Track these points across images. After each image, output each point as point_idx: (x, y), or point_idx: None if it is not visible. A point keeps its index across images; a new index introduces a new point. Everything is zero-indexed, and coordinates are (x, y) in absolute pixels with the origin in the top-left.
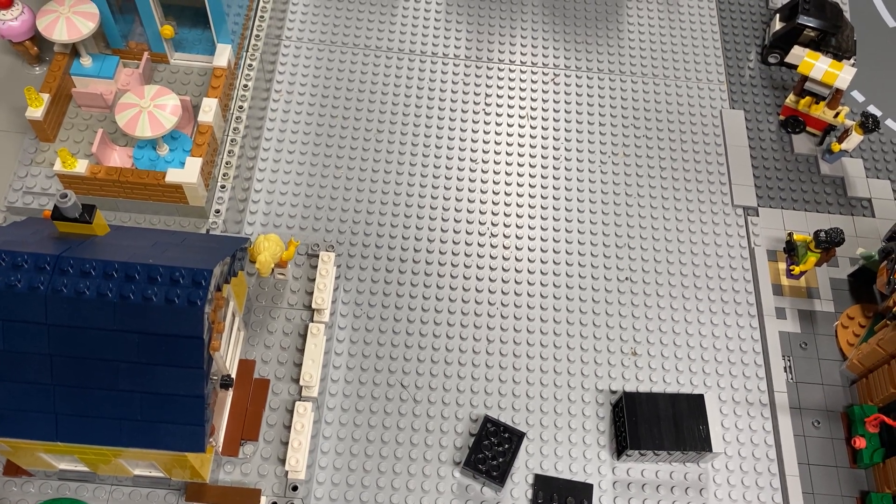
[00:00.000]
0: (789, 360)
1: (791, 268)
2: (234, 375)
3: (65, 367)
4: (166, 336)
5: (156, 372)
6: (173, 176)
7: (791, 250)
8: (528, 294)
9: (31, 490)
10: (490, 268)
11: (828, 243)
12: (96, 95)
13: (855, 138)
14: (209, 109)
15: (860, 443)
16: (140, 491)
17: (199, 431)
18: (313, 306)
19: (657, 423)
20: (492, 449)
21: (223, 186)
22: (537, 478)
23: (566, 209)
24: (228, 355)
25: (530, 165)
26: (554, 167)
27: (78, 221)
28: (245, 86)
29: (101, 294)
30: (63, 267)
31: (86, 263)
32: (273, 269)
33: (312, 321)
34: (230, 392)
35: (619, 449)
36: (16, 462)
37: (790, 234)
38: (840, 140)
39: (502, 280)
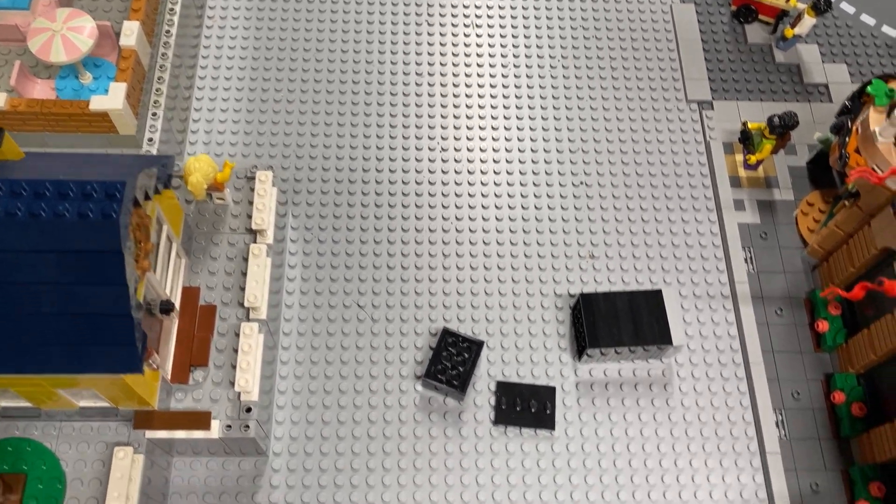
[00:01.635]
0: (750, 251)
1: (747, 157)
2: (177, 304)
3: None
4: (84, 253)
5: (78, 292)
6: (97, 103)
7: (746, 139)
8: (482, 206)
9: None
10: (442, 182)
11: (782, 128)
12: (11, 28)
13: (808, 21)
14: (130, 33)
15: (823, 326)
16: (90, 425)
17: (131, 352)
18: (254, 227)
19: (616, 321)
20: (451, 359)
21: (155, 114)
22: (499, 385)
23: (517, 116)
24: (168, 281)
25: (478, 73)
26: (503, 74)
27: None
28: (171, 9)
29: (10, 213)
30: None
31: None
32: (211, 196)
33: (255, 242)
34: (175, 320)
35: (580, 350)
36: None
37: (745, 124)
38: (793, 25)
39: (455, 193)
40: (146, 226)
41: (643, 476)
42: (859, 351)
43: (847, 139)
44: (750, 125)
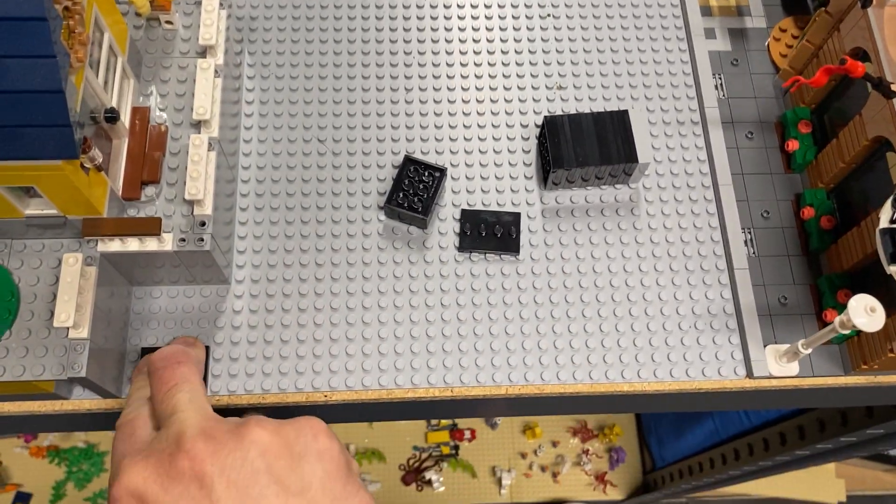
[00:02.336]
0: (720, 78)
1: None
2: (127, 124)
3: None
4: (5, 20)
5: (3, 66)
6: None
7: None
8: (446, 39)
9: None
10: (403, 6)
11: None
12: None
13: None
14: None
15: (793, 145)
16: (41, 241)
17: (65, 132)
18: (201, 42)
19: (581, 142)
20: (413, 186)
21: None
22: (463, 212)
23: None
24: (114, 95)
25: None
26: None
27: None
28: None
29: None
30: None
31: None
32: (160, 20)
33: (204, 59)
34: (125, 138)
35: (545, 175)
36: None
37: None
38: None
39: (417, 20)
40: (80, 14)
41: (609, 294)
42: (828, 162)
43: None
44: None
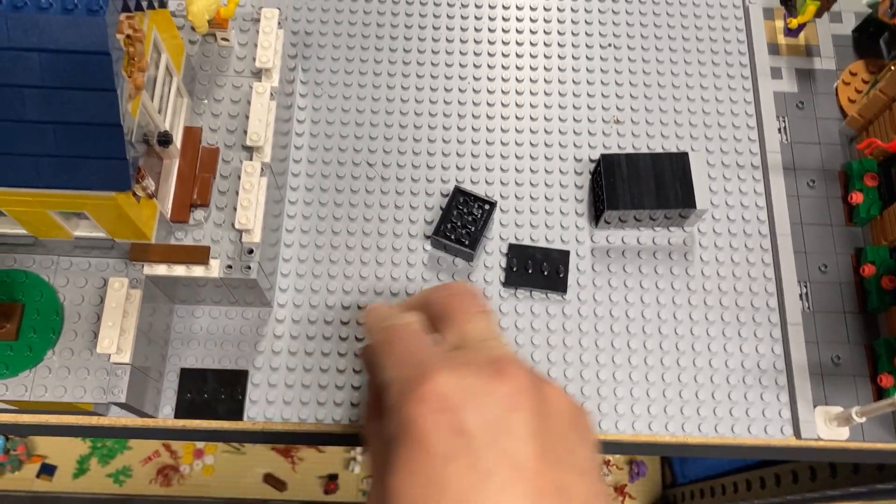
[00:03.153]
0: (784, 121)
1: (788, 21)
2: (179, 144)
3: None
4: (69, 53)
5: (64, 97)
6: None
7: (788, 1)
8: (503, 67)
9: None
10: (461, 40)
11: None
12: None
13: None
14: None
15: (857, 197)
16: (88, 260)
17: (120, 165)
18: (257, 65)
19: (637, 184)
20: (462, 219)
21: None
22: (511, 247)
23: None
24: (168, 117)
25: None
26: None
27: None
28: None
29: None
30: None
31: None
32: (216, 37)
33: (259, 82)
34: (176, 159)
35: (598, 215)
36: None
37: None
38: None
39: (474, 53)
40: (140, 41)
41: (656, 342)
42: (894, 220)
43: None
44: None
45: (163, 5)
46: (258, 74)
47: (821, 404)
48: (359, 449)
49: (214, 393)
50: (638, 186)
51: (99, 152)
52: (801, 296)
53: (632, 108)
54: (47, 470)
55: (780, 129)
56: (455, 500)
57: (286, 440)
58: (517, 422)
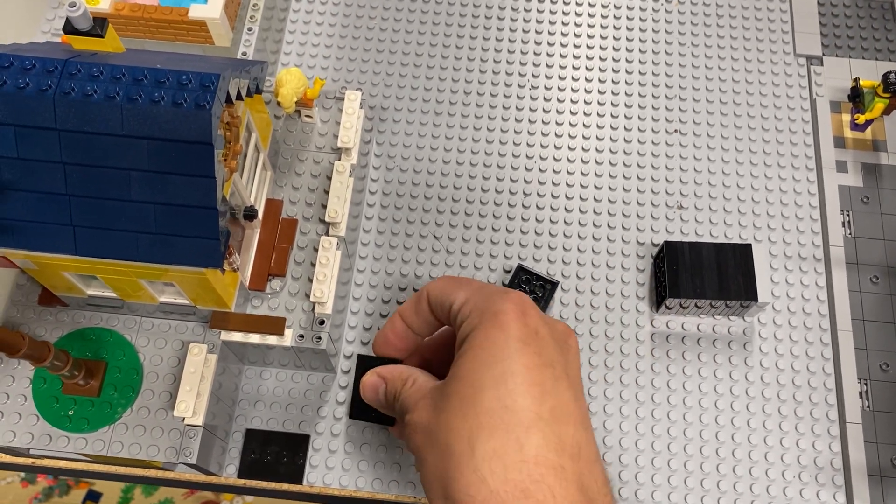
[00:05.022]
0: (848, 215)
1: (856, 117)
2: (260, 215)
3: (78, 176)
4: (175, 142)
5: (167, 181)
6: (197, 11)
7: (857, 97)
8: (569, 148)
9: (65, 319)
10: (529, 121)
11: None
12: None
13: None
14: None
15: None
16: (169, 322)
17: (213, 245)
18: (339, 145)
19: (700, 273)
20: None
21: (250, 29)
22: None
23: (613, 57)
24: (253, 190)
25: (576, 13)
26: (602, 14)
27: (90, 35)
28: None
29: (109, 97)
30: (71, 71)
31: (94, 67)
32: (300, 113)
33: (339, 160)
34: (257, 230)
35: (659, 300)
36: (45, 285)
37: (856, 80)
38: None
39: (542, 133)
40: (236, 126)
41: (713, 432)
42: None
43: None
44: (862, 82)
45: (259, 92)
46: (338, 150)
47: None
48: None
49: (277, 455)
50: (700, 275)
51: (194, 232)
52: (861, 394)
53: (696, 195)
54: (93, 497)
55: (843, 223)
56: (520, 368)
57: None
58: (570, 346)
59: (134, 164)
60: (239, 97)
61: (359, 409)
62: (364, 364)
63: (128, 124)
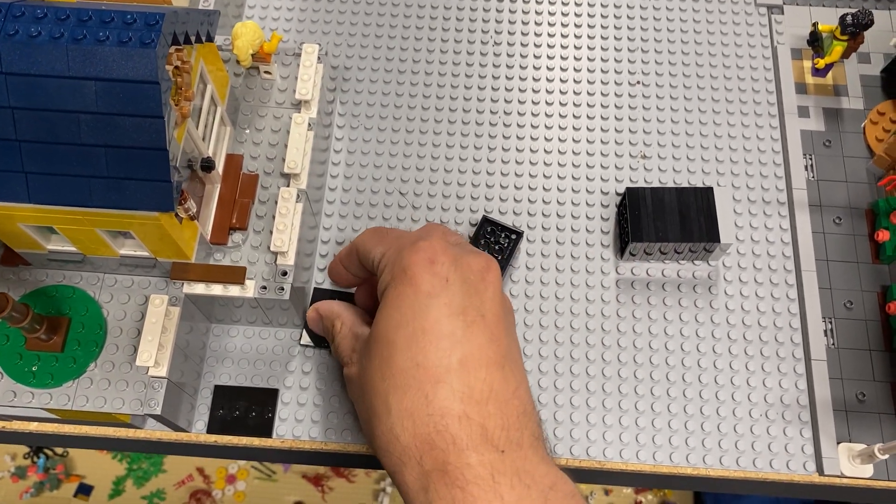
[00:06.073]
0: (811, 159)
1: (815, 61)
2: (220, 170)
3: (28, 121)
4: (122, 82)
5: (116, 123)
6: None
7: (815, 41)
8: (533, 102)
9: (27, 278)
10: (493, 76)
11: (855, 27)
12: None
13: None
14: None
15: (883, 235)
16: (131, 278)
17: (165, 188)
18: (297, 97)
19: (662, 217)
20: (489, 248)
21: None
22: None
23: (575, 11)
24: (211, 144)
25: None
26: None
27: None
28: None
29: (54, 37)
30: (15, 13)
31: (38, 9)
32: (259, 69)
33: (298, 113)
34: (217, 184)
35: (622, 247)
36: (5, 241)
37: (815, 25)
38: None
39: (505, 88)
40: (187, 72)
41: (679, 374)
42: None
43: None
44: (821, 27)
45: (210, 39)
46: (298, 106)
47: (845, 441)
48: (388, 480)
49: (245, 410)
50: (663, 219)
51: (146, 175)
52: (825, 332)
53: (659, 144)
54: (84, 490)
55: (806, 167)
56: (430, 324)
57: (313, 461)
58: (488, 282)
59: (82, 107)
60: (188, 41)
61: (311, 335)
62: (317, 297)
63: (74, 65)
